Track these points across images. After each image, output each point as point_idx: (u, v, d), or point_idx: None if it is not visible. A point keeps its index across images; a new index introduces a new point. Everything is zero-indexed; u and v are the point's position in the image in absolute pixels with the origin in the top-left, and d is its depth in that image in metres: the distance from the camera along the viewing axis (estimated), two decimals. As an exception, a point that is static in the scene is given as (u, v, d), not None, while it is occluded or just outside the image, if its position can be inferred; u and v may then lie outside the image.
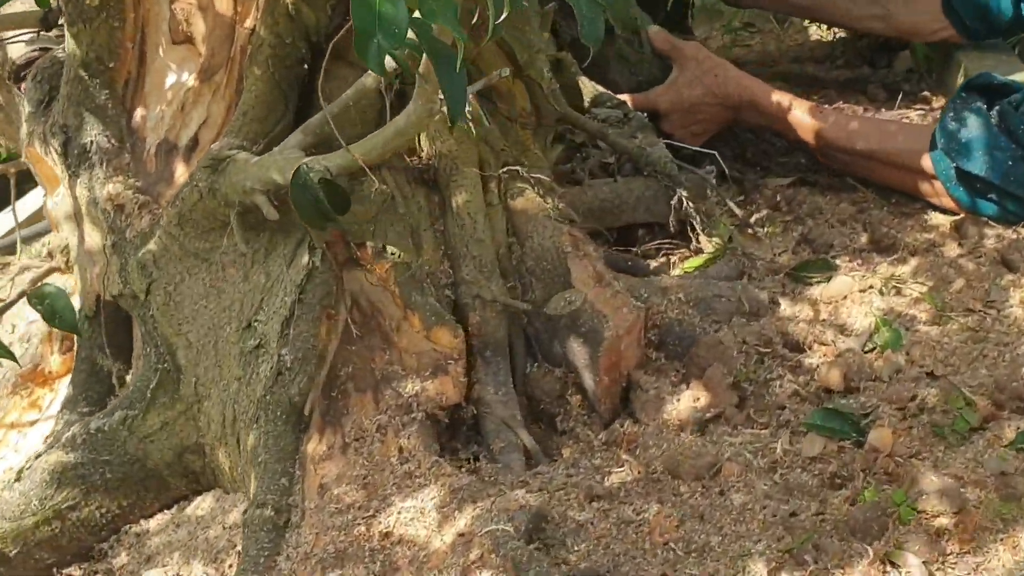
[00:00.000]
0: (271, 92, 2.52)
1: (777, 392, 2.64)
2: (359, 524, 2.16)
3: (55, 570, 2.43)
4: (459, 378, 2.45)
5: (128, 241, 2.55)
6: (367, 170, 2.26)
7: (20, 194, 3.16)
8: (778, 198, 3.56)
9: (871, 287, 2.95)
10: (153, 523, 2.51)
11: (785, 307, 2.97)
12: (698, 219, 3.27)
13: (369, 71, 2.25)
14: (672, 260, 3.32)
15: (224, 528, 2.39)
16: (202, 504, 2.51)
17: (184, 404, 2.47)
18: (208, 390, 2.46)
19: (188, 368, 2.48)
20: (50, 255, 2.84)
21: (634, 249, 3.37)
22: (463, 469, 2.42)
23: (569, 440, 2.64)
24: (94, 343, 2.63)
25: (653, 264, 3.34)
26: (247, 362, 2.40)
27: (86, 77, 2.56)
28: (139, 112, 2.65)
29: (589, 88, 3.69)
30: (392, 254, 2.56)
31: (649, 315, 2.83)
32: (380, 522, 2.17)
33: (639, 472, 2.45)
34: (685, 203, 3.23)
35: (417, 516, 2.17)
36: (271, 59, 2.47)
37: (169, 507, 2.55)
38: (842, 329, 2.86)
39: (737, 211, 3.34)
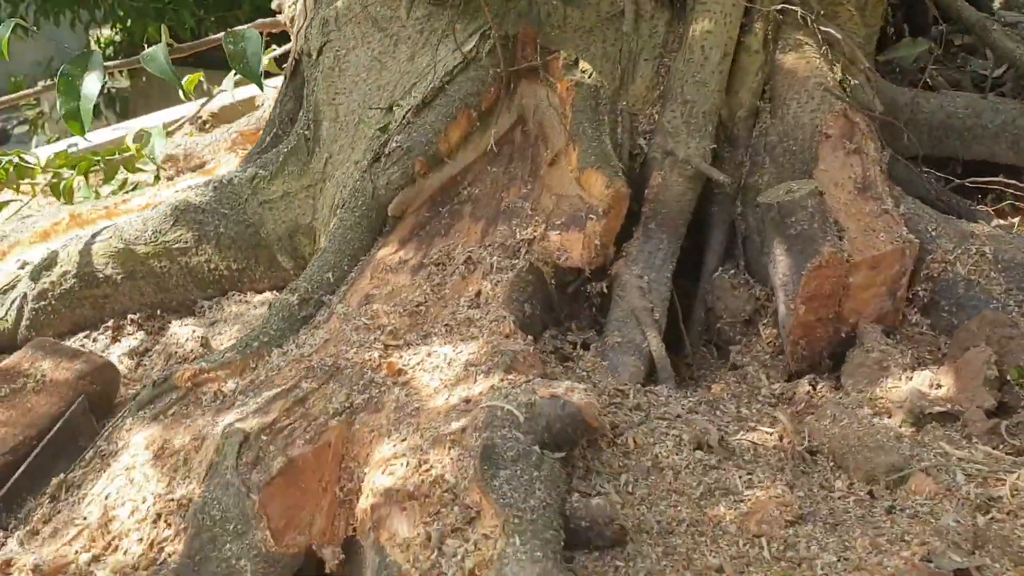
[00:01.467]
0: None
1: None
2: (375, 348, 1.70)
3: (158, 312, 2.29)
4: (595, 239, 1.84)
5: (334, -5, 2.28)
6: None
7: None
8: None
9: None
10: (258, 298, 2.27)
11: None
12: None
13: None
14: (1030, 223, 2.33)
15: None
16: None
17: (310, 179, 2.17)
18: (335, 171, 2.13)
19: (326, 143, 2.17)
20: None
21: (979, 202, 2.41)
22: (553, 352, 1.84)
23: (733, 377, 1.91)
24: (287, 98, 2.42)
25: (997, 223, 2.37)
26: (371, 147, 2.02)
27: None
28: None
29: (1009, -17, 2.71)
30: (583, 72, 2.00)
31: (927, 262, 1.95)
32: (401, 357, 1.69)
33: (788, 440, 1.69)
34: (1072, 145, 2.21)
35: (442, 365, 1.66)
36: None
37: (280, 288, 2.28)
38: None
39: None
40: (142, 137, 2.93)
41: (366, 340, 1.72)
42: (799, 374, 1.88)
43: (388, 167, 1.91)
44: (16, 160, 3.14)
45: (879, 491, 1.60)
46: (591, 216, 1.86)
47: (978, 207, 2.27)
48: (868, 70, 2.13)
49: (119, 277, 2.26)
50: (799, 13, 2.01)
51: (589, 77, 1.98)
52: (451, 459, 1.45)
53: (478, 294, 1.81)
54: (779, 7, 2.03)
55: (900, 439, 1.64)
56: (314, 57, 2.24)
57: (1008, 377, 1.74)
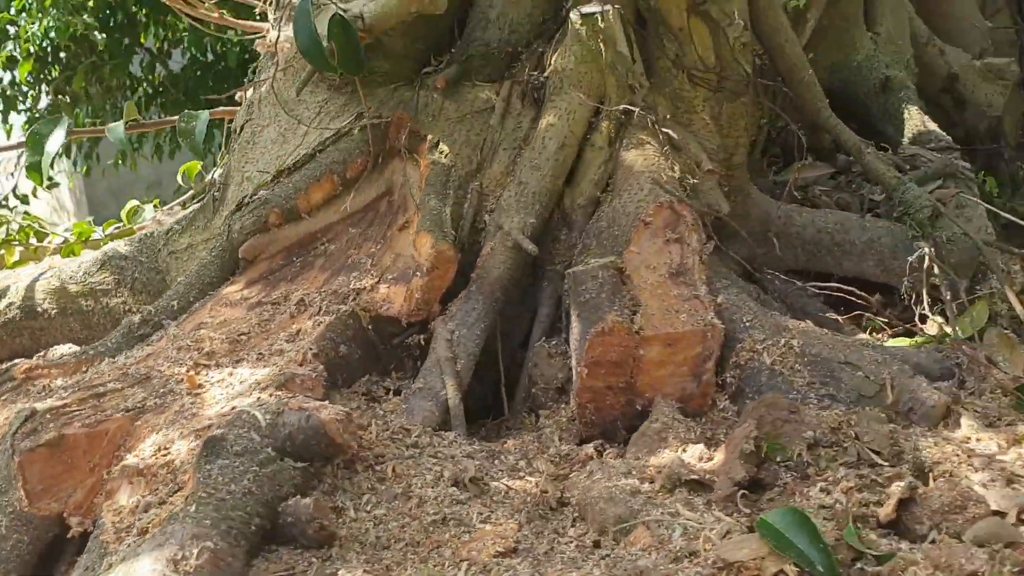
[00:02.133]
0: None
1: (812, 481, 1.72)
2: (185, 364, 1.92)
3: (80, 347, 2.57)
4: (416, 293, 2.03)
5: (261, 81, 2.61)
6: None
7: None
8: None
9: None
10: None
11: (965, 429, 1.91)
12: (947, 292, 2.28)
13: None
14: (883, 338, 2.37)
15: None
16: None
17: (210, 233, 2.45)
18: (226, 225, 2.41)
19: (229, 202, 2.45)
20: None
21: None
22: (365, 394, 2.01)
23: (531, 437, 2.02)
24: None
25: (850, 331, 2.42)
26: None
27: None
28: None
29: (917, 121, 2.83)
30: (442, 153, 2.24)
31: (737, 350, 2.05)
32: (207, 374, 1.90)
33: (538, 489, 1.79)
34: (926, 263, 2.28)
35: (235, 383, 1.85)
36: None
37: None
38: (1012, 481, 1.74)
39: (1017, 303, 2.25)
40: (135, 211, 3.32)
41: (182, 358, 1.94)
42: (591, 439, 1.98)
43: (244, 215, 2.17)
44: (36, 225, 3.60)
45: (606, 541, 1.67)
46: (417, 273, 2.05)
47: (830, 315, 2.34)
48: (720, 174, 2.27)
49: (53, 312, 2.56)
50: (636, 113, 2.20)
51: (445, 157, 2.21)
52: (188, 448, 1.63)
53: (299, 332, 2.01)
54: (622, 108, 2.23)
55: (635, 495, 1.71)
56: (237, 133, 2.56)
57: (766, 453, 1.80)
